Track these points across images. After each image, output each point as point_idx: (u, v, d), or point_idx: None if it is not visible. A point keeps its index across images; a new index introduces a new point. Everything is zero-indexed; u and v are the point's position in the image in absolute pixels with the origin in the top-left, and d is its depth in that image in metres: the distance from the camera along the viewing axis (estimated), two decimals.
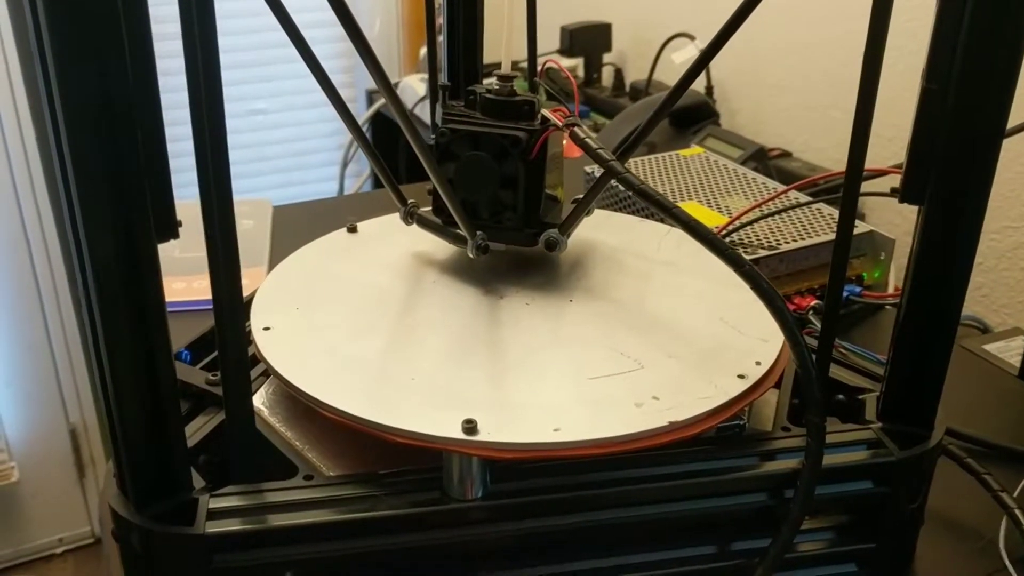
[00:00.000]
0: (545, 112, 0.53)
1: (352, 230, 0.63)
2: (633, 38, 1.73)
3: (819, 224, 0.79)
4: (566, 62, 1.72)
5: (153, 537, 0.42)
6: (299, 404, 0.51)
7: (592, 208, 0.58)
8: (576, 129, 0.49)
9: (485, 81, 0.58)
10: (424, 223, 0.57)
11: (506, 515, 0.45)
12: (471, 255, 0.54)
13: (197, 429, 0.49)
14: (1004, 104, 0.43)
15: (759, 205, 0.81)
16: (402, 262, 0.59)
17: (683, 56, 1.53)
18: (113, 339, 0.39)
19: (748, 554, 0.48)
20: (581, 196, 0.56)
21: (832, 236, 0.69)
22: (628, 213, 0.81)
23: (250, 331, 0.51)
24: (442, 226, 0.57)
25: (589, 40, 1.73)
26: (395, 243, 0.61)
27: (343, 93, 0.58)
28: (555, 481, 0.45)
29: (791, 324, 0.43)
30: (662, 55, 1.54)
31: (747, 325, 0.53)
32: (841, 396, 0.55)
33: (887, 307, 0.79)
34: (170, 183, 0.40)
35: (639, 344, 0.50)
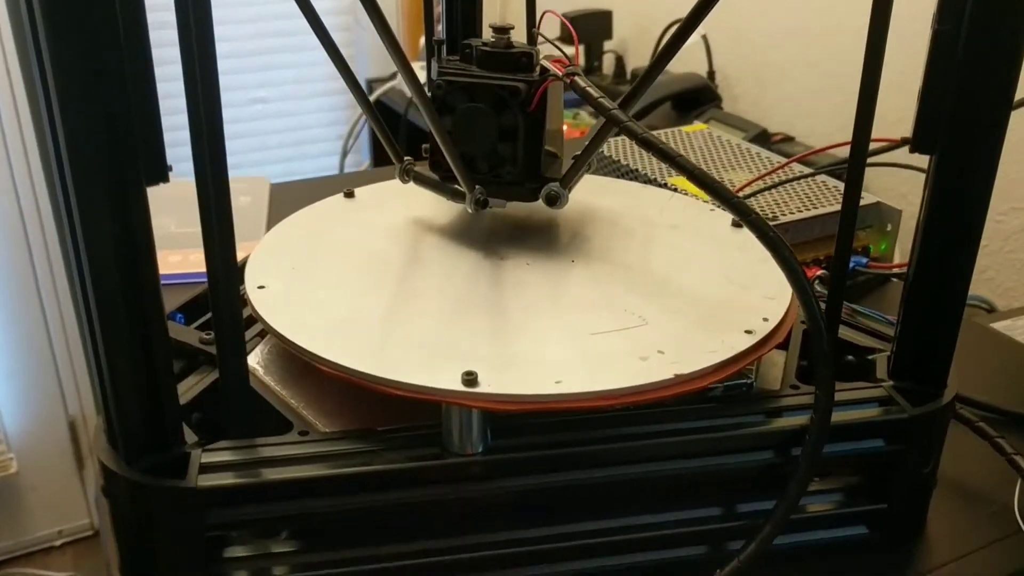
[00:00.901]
0: (544, 63, 0.52)
1: (349, 195, 0.62)
2: (635, 25, 1.72)
3: (824, 196, 0.78)
4: (567, 49, 1.71)
5: (144, 491, 0.41)
6: (295, 363, 0.49)
7: (591, 163, 0.56)
8: (577, 78, 0.48)
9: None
10: (421, 180, 0.56)
11: (506, 471, 0.43)
12: (469, 210, 0.53)
13: (190, 387, 0.48)
14: (1018, 44, 0.41)
15: (763, 176, 0.80)
16: (400, 227, 0.58)
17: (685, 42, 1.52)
18: (102, 283, 0.38)
19: (755, 515, 0.47)
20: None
21: (837, 207, 0.68)
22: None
23: (244, 293, 0.50)
24: (439, 182, 0.55)
25: (590, 27, 1.71)
26: (392, 209, 0.60)
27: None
28: (557, 437, 0.44)
29: (798, 271, 0.42)
30: (663, 41, 1.53)
31: (753, 284, 0.52)
32: (851, 357, 0.53)
33: (893, 279, 0.78)
34: (160, 126, 0.39)
35: (643, 303, 0.49)
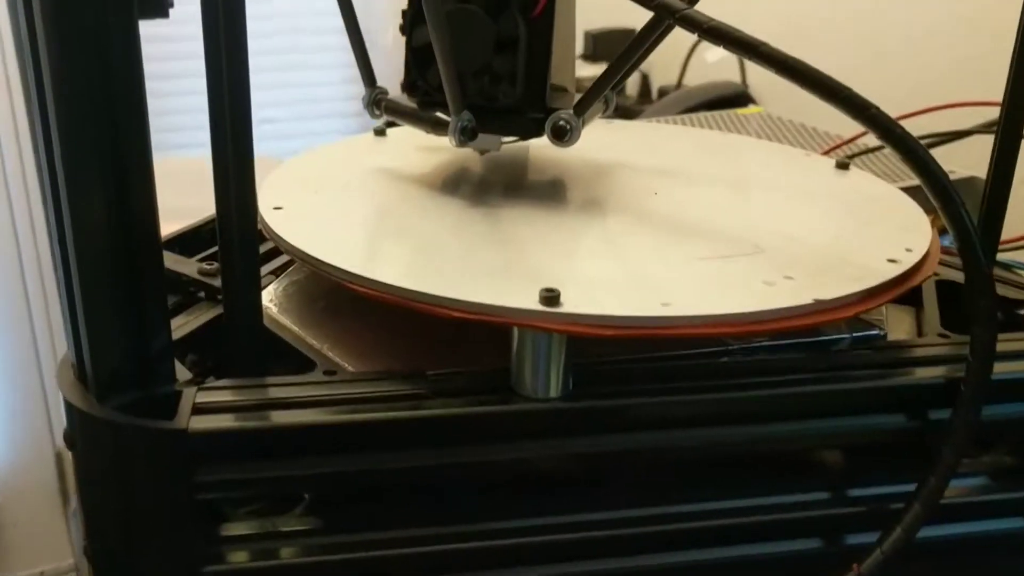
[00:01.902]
0: None
1: (380, 133, 0.53)
2: (662, 45, 1.65)
3: (902, 169, 0.68)
4: (589, 68, 1.64)
5: (116, 434, 0.31)
6: (316, 303, 0.40)
7: (612, 98, 0.47)
8: None
9: None
10: (393, 110, 0.46)
11: (593, 423, 0.33)
12: (452, 142, 0.42)
13: (184, 323, 0.38)
14: None
15: (834, 149, 0.71)
16: (444, 158, 0.49)
17: (716, 55, 1.45)
18: (74, 143, 0.29)
19: (884, 499, 0.37)
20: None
21: (915, 180, 0.59)
22: None
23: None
24: (414, 111, 0.44)
25: (614, 46, 1.64)
26: (431, 143, 0.50)
27: None
28: (653, 386, 0.34)
29: (939, 175, 0.32)
30: (693, 55, 1.46)
31: (878, 219, 0.42)
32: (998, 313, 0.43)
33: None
34: None
35: (752, 232, 0.39)
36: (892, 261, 0.37)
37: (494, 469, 0.33)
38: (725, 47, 0.33)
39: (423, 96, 0.44)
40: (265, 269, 0.43)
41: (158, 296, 0.32)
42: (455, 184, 0.45)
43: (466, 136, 0.41)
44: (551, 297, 0.32)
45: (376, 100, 0.46)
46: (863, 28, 1.19)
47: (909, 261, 0.37)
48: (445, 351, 0.36)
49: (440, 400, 0.32)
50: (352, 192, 0.44)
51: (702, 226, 0.40)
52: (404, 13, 0.44)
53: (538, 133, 0.43)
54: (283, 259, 0.45)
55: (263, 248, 0.45)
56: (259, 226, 0.39)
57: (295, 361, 0.37)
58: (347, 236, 0.38)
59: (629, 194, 0.44)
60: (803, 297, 0.33)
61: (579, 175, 0.47)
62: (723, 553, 0.36)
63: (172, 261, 0.41)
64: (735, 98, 1.29)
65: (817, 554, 0.37)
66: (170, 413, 0.31)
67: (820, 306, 0.33)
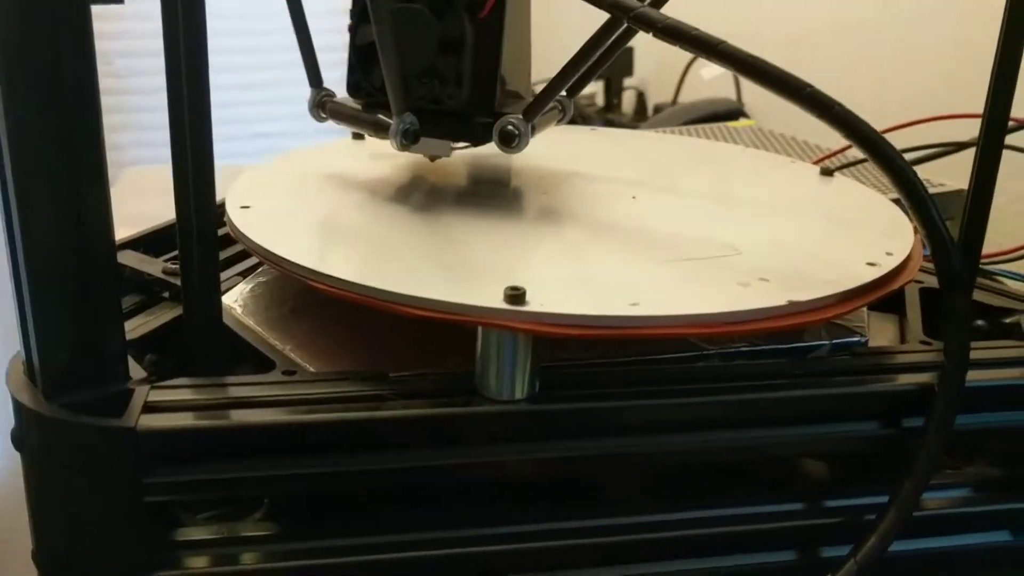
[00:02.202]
0: None
1: (358, 137, 0.52)
2: (657, 63, 1.65)
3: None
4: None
5: (63, 433, 0.30)
6: (283, 305, 0.39)
7: (569, 107, 0.45)
8: None
9: None
10: (337, 114, 0.44)
11: (560, 427, 0.32)
12: (395, 145, 0.40)
13: (144, 322, 0.37)
14: None
15: (823, 160, 0.71)
16: (420, 166, 0.48)
17: (712, 72, 1.45)
18: (24, 145, 0.28)
19: (859, 511, 0.36)
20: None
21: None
22: None
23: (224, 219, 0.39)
24: (357, 112, 0.43)
25: (610, 64, 1.64)
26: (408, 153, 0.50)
27: None
28: (622, 390, 0.33)
29: (903, 167, 0.31)
30: (689, 72, 1.46)
31: (861, 224, 0.42)
32: (982, 321, 0.42)
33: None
34: None
35: (729, 235, 0.39)
36: (871, 264, 0.36)
37: (457, 473, 0.32)
38: (681, 46, 0.32)
39: (367, 97, 0.42)
40: (232, 271, 0.42)
41: (111, 294, 0.31)
42: (429, 189, 0.44)
43: (408, 139, 0.40)
44: (516, 295, 0.31)
45: (321, 102, 0.44)
46: (860, 38, 1.18)
47: (889, 265, 0.36)
48: (411, 355, 0.35)
49: (402, 401, 0.31)
50: (322, 194, 0.43)
51: (679, 230, 0.39)
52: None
53: (485, 138, 0.41)
54: (252, 261, 0.44)
55: (233, 250, 0.45)
56: (227, 225, 0.38)
57: (258, 363, 0.36)
58: (311, 235, 0.37)
59: (605, 199, 0.43)
60: (778, 299, 0.32)
61: (554, 181, 0.46)
62: (692, 565, 0.35)
63: (137, 260, 0.40)
64: (730, 114, 1.29)
65: (791, 567, 0.35)
66: (120, 411, 0.30)
67: (795, 308, 0.32)
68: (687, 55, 1.45)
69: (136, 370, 0.33)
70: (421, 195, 0.43)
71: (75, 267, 0.30)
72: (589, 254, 0.36)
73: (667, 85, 1.58)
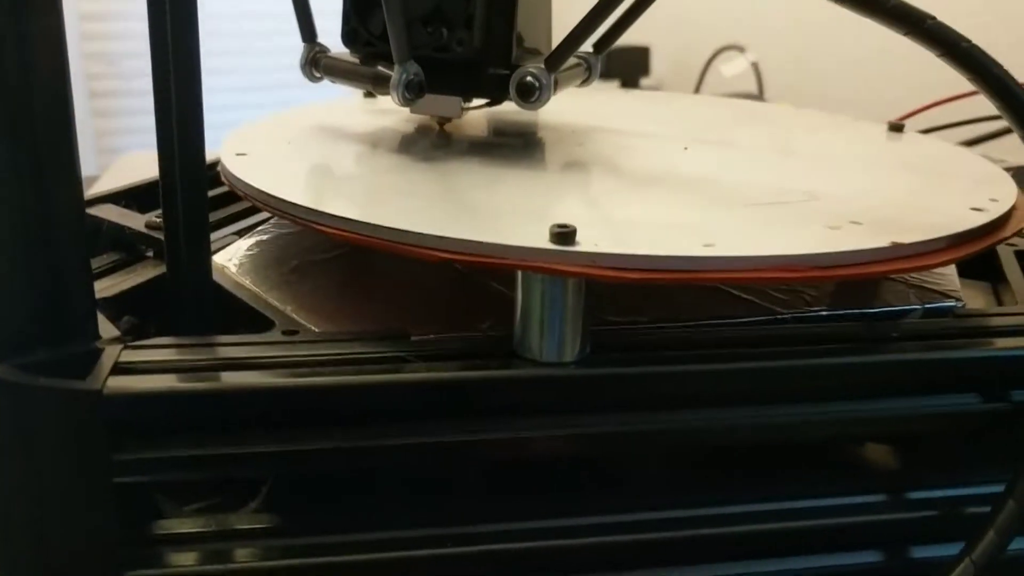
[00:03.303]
0: None
1: (369, 95, 0.47)
2: (674, 62, 1.61)
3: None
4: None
5: (16, 396, 0.24)
6: (283, 265, 0.34)
7: (598, 62, 0.40)
8: None
9: None
10: (332, 70, 0.38)
11: (618, 394, 0.27)
12: (397, 100, 0.34)
13: (123, 279, 0.32)
14: None
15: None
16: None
17: (733, 69, 1.40)
18: None
19: (959, 502, 0.30)
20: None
21: None
22: None
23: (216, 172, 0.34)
24: (353, 67, 0.37)
25: (627, 63, 1.60)
26: None
27: None
28: (689, 352, 0.28)
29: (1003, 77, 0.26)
30: (709, 69, 1.42)
31: (950, 173, 0.36)
32: None
33: None
34: None
35: (795, 182, 0.33)
36: (977, 210, 0.30)
37: (490, 451, 0.26)
38: None
39: (365, 47, 0.37)
40: (228, 230, 0.37)
41: (76, 244, 0.26)
42: (447, 140, 0.39)
43: (412, 92, 0.34)
44: (565, 233, 0.25)
45: (314, 59, 0.38)
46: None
47: (997, 210, 0.31)
48: (435, 321, 0.30)
49: (425, 364, 0.26)
50: (326, 143, 0.38)
51: (743, 178, 0.34)
52: None
53: (501, 93, 0.35)
54: (250, 220, 0.39)
55: (231, 210, 0.40)
56: (221, 174, 0.33)
57: (254, 328, 0.30)
58: (314, 178, 0.32)
59: (651, 149, 0.38)
60: (878, 240, 0.27)
61: (589, 133, 0.41)
62: (763, 567, 0.29)
63: (118, 215, 0.35)
64: None
65: (877, 570, 0.30)
66: (85, 373, 0.24)
67: (899, 251, 0.27)
68: (706, 53, 1.41)
69: (111, 332, 0.28)
70: (439, 145, 0.38)
71: (33, 213, 0.25)
72: (644, 197, 0.31)
73: (686, 84, 1.53)
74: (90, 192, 0.42)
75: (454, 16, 0.35)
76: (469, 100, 0.38)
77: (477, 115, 0.42)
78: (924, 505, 0.30)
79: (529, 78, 0.34)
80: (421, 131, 0.40)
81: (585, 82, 0.40)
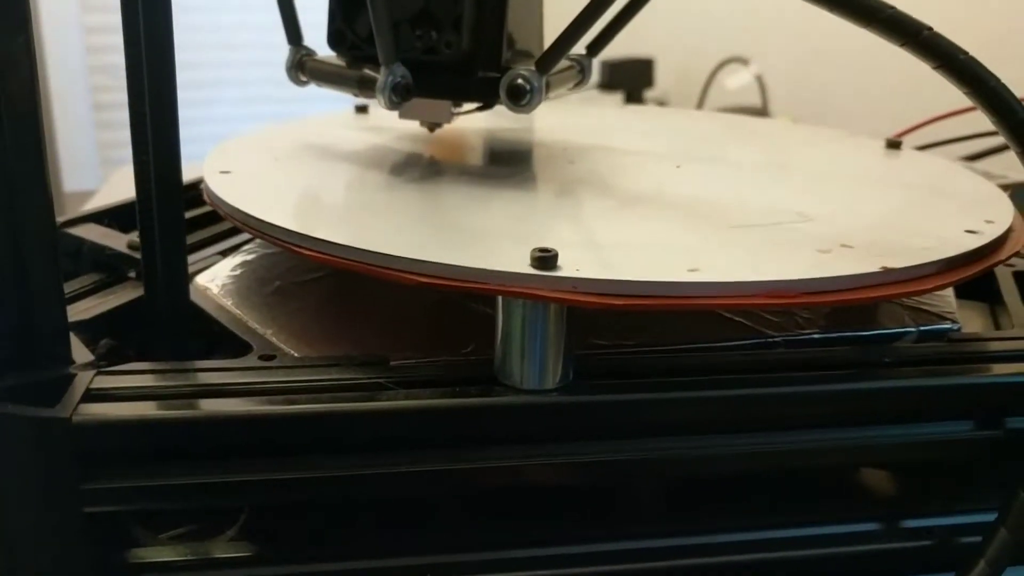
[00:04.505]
0: None
1: (361, 110, 0.46)
2: (679, 74, 1.61)
3: None
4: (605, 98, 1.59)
5: None
6: (265, 286, 0.33)
7: (588, 66, 0.39)
8: None
9: None
10: (317, 74, 0.37)
11: (601, 422, 0.26)
12: (383, 104, 0.33)
13: (101, 301, 0.31)
14: None
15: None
16: (427, 136, 0.42)
17: (737, 81, 1.40)
18: None
19: (953, 531, 0.29)
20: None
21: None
22: None
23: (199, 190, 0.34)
24: (339, 69, 0.36)
25: (630, 75, 1.60)
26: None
27: None
28: (676, 379, 0.27)
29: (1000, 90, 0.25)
30: (713, 82, 1.41)
31: (946, 192, 0.36)
32: None
33: None
34: None
35: (788, 201, 0.33)
36: (971, 232, 0.30)
37: (470, 479, 0.26)
38: None
39: (351, 50, 0.36)
40: (212, 251, 0.37)
41: (47, 268, 0.25)
42: (436, 161, 0.39)
43: (399, 95, 0.33)
44: (546, 257, 0.25)
45: (300, 62, 0.38)
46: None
47: (992, 232, 0.30)
48: (416, 347, 0.29)
49: (403, 392, 0.25)
50: (312, 162, 0.37)
51: (734, 197, 0.33)
52: None
53: (491, 96, 0.34)
54: (234, 240, 0.38)
55: (214, 230, 0.39)
56: (204, 193, 0.33)
57: (234, 351, 0.30)
58: (297, 200, 0.32)
59: (643, 167, 0.38)
60: (868, 265, 0.26)
61: (581, 150, 0.40)
62: None
63: (99, 234, 0.35)
64: None
65: None
66: (55, 400, 0.24)
67: (891, 276, 0.26)
68: (710, 64, 1.40)
69: (86, 356, 0.27)
70: (427, 165, 0.38)
71: (2, 235, 0.24)
72: (631, 219, 0.31)
73: (689, 97, 1.53)
74: (86, 206, 0.42)
75: (442, 17, 0.34)
76: (459, 104, 0.37)
77: (471, 135, 0.42)
78: (915, 534, 0.29)
79: (520, 80, 0.33)
80: (412, 148, 0.40)
81: (579, 85, 0.40)
